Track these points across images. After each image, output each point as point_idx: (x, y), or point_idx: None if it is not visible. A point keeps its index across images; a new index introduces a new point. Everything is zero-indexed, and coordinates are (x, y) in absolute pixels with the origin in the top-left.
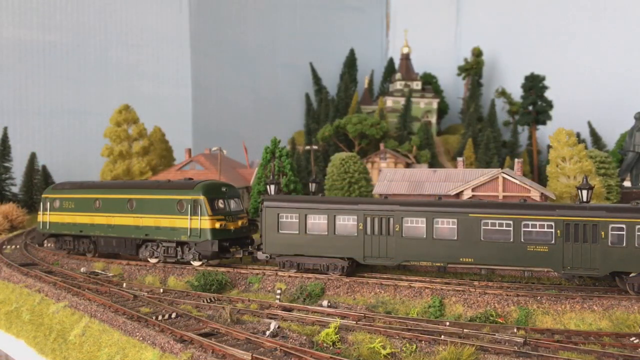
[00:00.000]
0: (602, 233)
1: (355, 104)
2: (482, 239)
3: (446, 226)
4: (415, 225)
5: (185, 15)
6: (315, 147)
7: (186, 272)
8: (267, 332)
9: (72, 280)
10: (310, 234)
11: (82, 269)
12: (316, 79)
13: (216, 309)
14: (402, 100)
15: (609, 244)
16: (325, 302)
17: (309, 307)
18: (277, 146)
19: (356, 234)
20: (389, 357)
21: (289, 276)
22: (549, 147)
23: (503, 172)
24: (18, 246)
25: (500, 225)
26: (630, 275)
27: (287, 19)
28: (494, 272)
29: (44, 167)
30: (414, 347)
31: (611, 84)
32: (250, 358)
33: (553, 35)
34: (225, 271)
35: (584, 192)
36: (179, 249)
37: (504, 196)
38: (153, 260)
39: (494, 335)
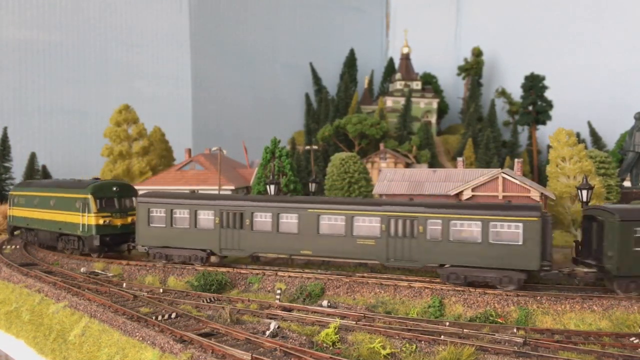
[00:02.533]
0: (421, 228)
1: (355, 104)
2: (319, 232)
3: (289, 221)
4: (264, 220)
5: (185, 15)
6: (315, 147)
7: (186, 272)
8: (267, 332)
9: (72, 280)
10: (176, 227)
11: (82, 269)
12: (316, 79)
13: (216, 309)
14: (402, 100)
15: (427, 237)
16: (325, 302)
17: (308, 307)
18: (277, 146)
19: (213, 228)
20: (389, 357)
21: (289, 276)
22: (549, 147)
23: (503, 172)
24: (18, 246)
25: (336, 220)
26: (445, 267)
27: (287, 19)
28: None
29: (44, 167)
30: (414, 347)
31: (611, 84)
32: (250, 358)
33: (553, 35)
34: (225, 271)
35: (584, 192)
36: (80, 242)
37: (503, 196)
38: (67, 252)
39: (494, 335)
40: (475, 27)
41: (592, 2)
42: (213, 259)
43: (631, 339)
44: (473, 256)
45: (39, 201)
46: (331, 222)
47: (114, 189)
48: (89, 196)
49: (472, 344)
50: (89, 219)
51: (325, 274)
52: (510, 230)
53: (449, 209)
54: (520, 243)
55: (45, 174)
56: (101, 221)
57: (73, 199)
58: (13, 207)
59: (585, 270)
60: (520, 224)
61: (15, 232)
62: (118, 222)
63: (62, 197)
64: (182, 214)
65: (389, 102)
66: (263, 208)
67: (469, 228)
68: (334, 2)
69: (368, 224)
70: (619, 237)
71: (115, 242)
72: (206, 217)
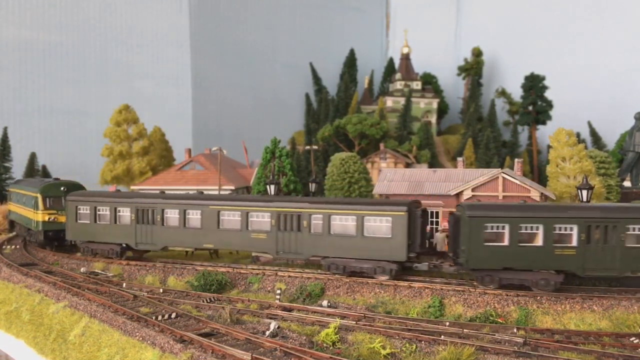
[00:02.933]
0: (305, 222)
1: (355, 104)
2: (220, 227)
3: (194, 217)
4: (173, 216)
5: (185, 15)
6: (315, 147)
7: (186, 272)
8: (267, 332)
9: (72, 280)
10: (99, 223)
11: (82, 269)
12: (316, 79)
13: (216, 309)
14: (402, 100)
15: (311, 231)
16: (325, 302)
17: (308, 307)
18: (277, 146)
19: (130, 224)
20: (389, 357)
21: (289, 276)
22: (549, 147)
23: (503, 172)
24: (18, 246)
25: (234, 215)
26: (325, 259)
27: (287, 19)
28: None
29: (44, 167)
30: (414, 347)
31: (611, 84)
32: (250, 358)
33: (553, 35)
34: (225, 271)
35: (584, 192)
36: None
37: (504, 196)
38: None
39: (494, 335)
40: (475, 27)
41: (592, 2)
42: (130, 253)
43: (631, 339)
44: (350, 248)
45: (18, 198)
46: (230, 217)
47: (62, 188)
48: (38, 195)
49: (472, 344)
50: (37, 216)
51: (325, 274)
52: (382, 225)
53: (330, 204)
54: (389, 236)
55: (45, 174)
56: (47, 217)
57: (31, 197)
58: (9, 203)
59: (449, 263)
60: (390, 219)
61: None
62: (63, 219)
63: (26, 195)
64: (104, 211)
65: (389, 102)
66: (172, 205)
67: (346, 222)
68: (334, 2)
69: (261, 219)
70: (469, 232)
71: (59, 237)
72: (124, 214)
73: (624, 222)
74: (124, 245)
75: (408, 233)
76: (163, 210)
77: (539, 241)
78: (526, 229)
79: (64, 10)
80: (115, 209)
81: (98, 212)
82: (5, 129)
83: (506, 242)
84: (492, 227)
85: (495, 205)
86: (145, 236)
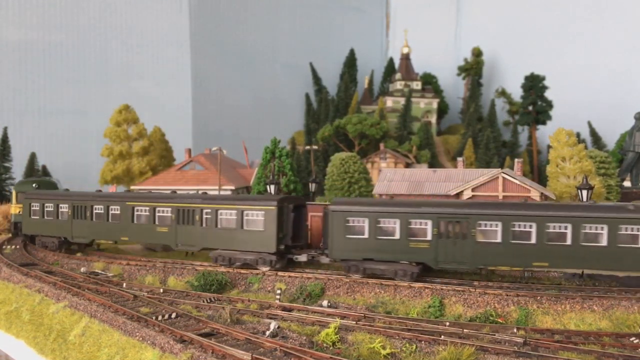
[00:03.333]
0: (197, 217)
1: (355, 104)
2: (134, 222)
3: (115, 212)
4: (100, 212)
5: (185, 15)
6: (315, 147)
7: (186, 272)
8: (267, 332)
9: (72, 280)
10: (47, 219)
11: (82, 269)
12: (316, 79)
13: (216, 309)
14: (402, 100)
15: (203, 225)
16: (325, 302)
17: (309, 307)
18: (277, 146)
19: (67, 219)
20: (389, 357)
21: (289, 276)
22: (549, 147)
23: (503, 172)
24: (18, 246)
25: (144, 211)
26: (214, 250)
27: (287, 19)
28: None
29: (44, 167)
30: (414, 347)
31: (611, 84)
32: (250, 358)
33: (553, 35)
34: (225, 271)
35: (584, 192)
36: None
37: (504, 196)
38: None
39: (494, 335)
40: (475, 27)
41: (592, 2)
42: (66, 245)
43: (631, 339)
44: (234, 241)
45: (16, 197)
46: (141, 213)
47: (33, 185)
48: (14, 191)
49: (472, 344)
50: (12, 209)
51: (326, 274)
52: (257, 219)
53: (217, 200)
54: (263, 229)
55: (45, 174)
56: (17, 211)
57: (15, 193)
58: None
59: (326, 255)
60: (263, 213)
61: None
62: None
63: (14, 194)
64: (50, 208)
65: (389, 102)
66: (99, 201)
67: (230, 217)
68: (334, 2)
69: (164, 214)
70: (333, 225)
71: None
72: (64, 210)
73: (475, 218)
74: (63, 238)
75: (278, 226)
76: (92, 207)
77: (396, 234)
78: (384, 223)
79: (64, 10)
80: (58, 205)
81: (46, 209)
82: (5, 129)
83: (366, 235)
84: (353, 221)
85: (357, 200)
86: (79, 230)
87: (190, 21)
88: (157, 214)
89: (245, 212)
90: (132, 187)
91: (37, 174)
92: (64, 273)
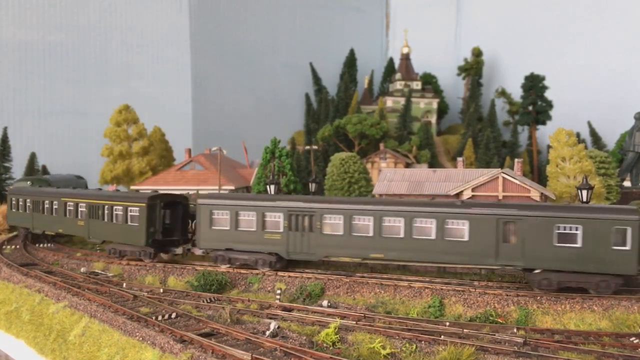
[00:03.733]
0: (99, 212)
1: (355, 104)
2: (66, 215)
3: (55, 207)
4: (48, 206)
5: (185, 15)
6: (315, 147)
7: (186, 272)
8: (267, 332)
9: (72, 280)
10: (19, 211)
11: (82, 269)
12: (316, 79)
13: (216, 309)
14: (402, 100)
15: (105, 220)
16: (325, 302)
17: (309, 307)
18: (277, 146)
19: (29, 212)
20: (389, 357)
21: (289, 276)
22: (549, 147)
23: (503, 172)
24: (18, 246)
25: (71, 206)
26: (109, 245)
27: (287, 19)
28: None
29: (44, 167)
30: (414, 347)
31: (611, 84)
32: (250, 358)
33: (553, 35)
34: (225, 271)
35: (584, 192)
36: None
37: (504, 196)
38: None
39: (494, 335)
40: (475, 27)
41: (592, 2)
42: (31, 235)
43: (631, 339)
44: (119, 235)
45: None
46: (70, 208)
47: (27, 183)
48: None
49: (472, 344)
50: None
51: (325, 274)
52: (135, 214)
53: (114, 198)
54: (137, 224)
55: (45, 174)
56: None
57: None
58: None
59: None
60: (137, 209)
61: None
62: None
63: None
64: (21, 202)
65: (389, 102)
66: (47, 197)
67: (119, 212)
68: (334, 2)
69: (82, 209)
70: (200, 217)
71: None
72: (29, 205)
73: (320, 212)
74: (28, 229)
75: (147, 222)
76: (43, 202)
77: (253, 227)
78: (244, 216)
79: (64, 10)
80: (25, 201)
81: (19, 203)
82: (5, 129)
83: (228, 227)
84: (217, 214)
85: (221, 195)
86: (37, 222)
87: (190, 21)
88: (79, 209)
89: (128, 209)
90: (131, 187)
91: (37, 174)
92: (64, 273)
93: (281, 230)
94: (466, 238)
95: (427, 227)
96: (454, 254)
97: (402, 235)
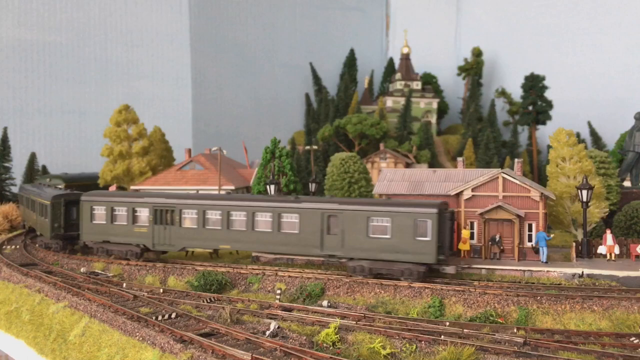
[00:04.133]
0: (35, 206)
1: (355, 104)
2: (32, 211)
3: (31, 203)
4: (29, 202)
5: (185, 15)
6: (315, 147)
7: (186, 272)
8: (267, 332)
9: (72, 280)
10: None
11: (82, 269)
12: (316, 79)
13: (216, 309)
14: (402, 100)
15: (34, 216)
16: (325, 302)
17: (309, 307)
18: (277, 146)
19: (23, 208)
20: (389, 357)
21: (289, 276)
22: (549, 147)
23: (503, 172)
24: (18, 246)
25: (35, 203)
26: (40, 235)
27: (287, 19)
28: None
29: (44, 167)
30: (414, 347)
31: (611, 84)
32: (250, 358)
33: (553, 35)
34: (225, 271)
35: (584, 192)
36: None
37: (504, 196)
38: None
39: (494, 335)
40: (475, 27)
41: (592, 2)
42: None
43: (631, 339)
44: (43, 228)
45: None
46: (36, 205)
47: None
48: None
49: (472, 344)
50: None
51: (325, 274)
52: (45, 210)
53: (41, 194)
54: (47, 219)
55: (45, 174)
56: None
57: None
58: None
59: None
60: (48, 205)
61: None
62: None
63: None
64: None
65: (389, 102)
66: (28, 194)
67: (43, 209)
68: (334, 2)
69: (40, 207)
70: (83, 213)
71: None
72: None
73: (180, 207)
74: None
75: (53, 218)
76: (27, 198)
77: (125, 221)
78: (118, 211)
79: (64, 10)
80: (23, 197)
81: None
82: (5, 129)
83: (105, 221)
84: (96, 209)
85: (100, 192)
86: (25, 217)
87: (190, 21)
88: (35, 205)
89: (42, 205)
90: (131, 187)
91: (37, 174)
92: (64, 273)
93: (147, 224)
94: (297, 230)
95: (267, 220)
96: (288, 244)
97: (245, 228)
